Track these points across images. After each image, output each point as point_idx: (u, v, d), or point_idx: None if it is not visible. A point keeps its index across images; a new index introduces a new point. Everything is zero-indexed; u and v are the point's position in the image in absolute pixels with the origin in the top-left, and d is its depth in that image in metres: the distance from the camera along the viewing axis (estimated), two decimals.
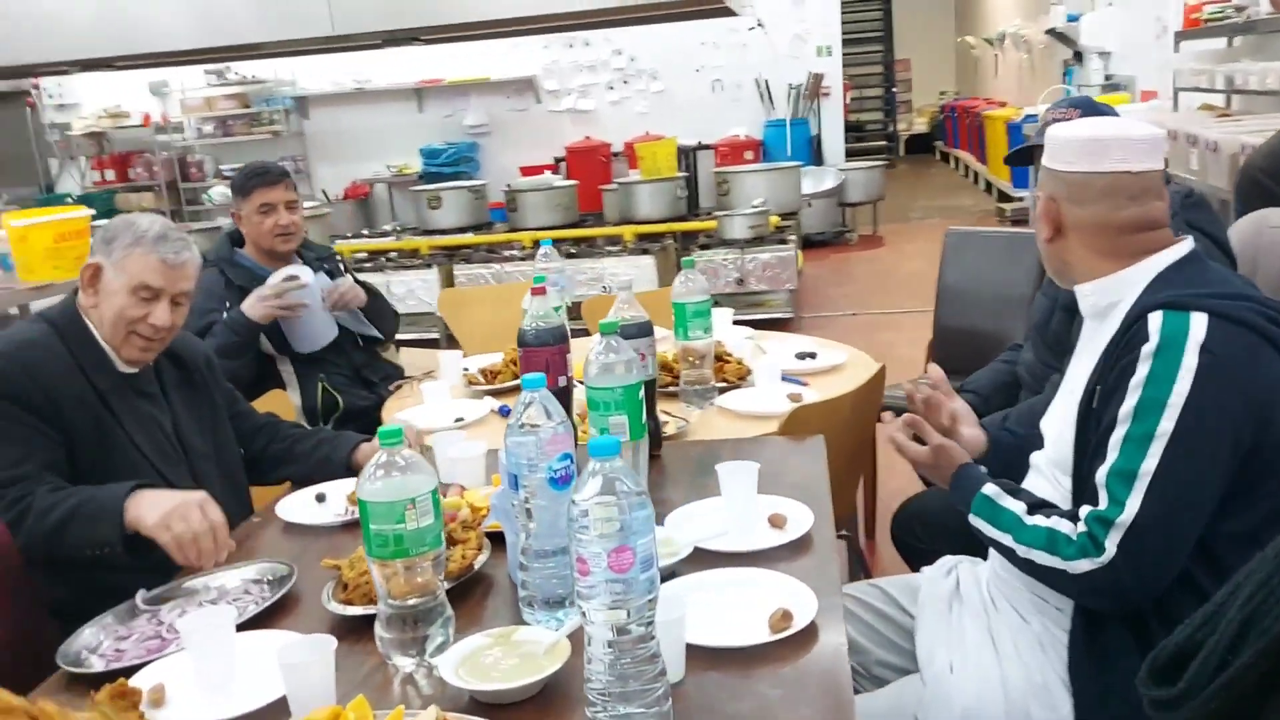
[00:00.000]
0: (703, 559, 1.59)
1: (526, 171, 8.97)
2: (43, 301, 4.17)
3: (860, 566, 2.75)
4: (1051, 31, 9.16)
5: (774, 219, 6.95)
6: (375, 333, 3.18)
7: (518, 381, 1.79)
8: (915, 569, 2.04)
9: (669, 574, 1.53)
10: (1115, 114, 2.14)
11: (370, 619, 1.41)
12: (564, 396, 1.85)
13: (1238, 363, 1.42)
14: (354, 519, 1.82)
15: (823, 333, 4.83)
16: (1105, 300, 1.58)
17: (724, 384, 2.54)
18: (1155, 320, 1.45)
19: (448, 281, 6.91)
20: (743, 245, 6.66)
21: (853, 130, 14.10)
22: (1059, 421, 1.64)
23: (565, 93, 10.02)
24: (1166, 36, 6.81)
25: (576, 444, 1.54)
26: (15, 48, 4.91)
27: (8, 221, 4.72)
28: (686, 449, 2.15)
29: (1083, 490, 1.52)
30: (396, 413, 2.61)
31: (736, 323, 3.16)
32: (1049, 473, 1.64)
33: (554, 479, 1.38)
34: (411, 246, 7.30)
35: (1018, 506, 1.54)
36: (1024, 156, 2.36)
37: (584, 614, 1.13)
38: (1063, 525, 1.48)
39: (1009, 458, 1.74)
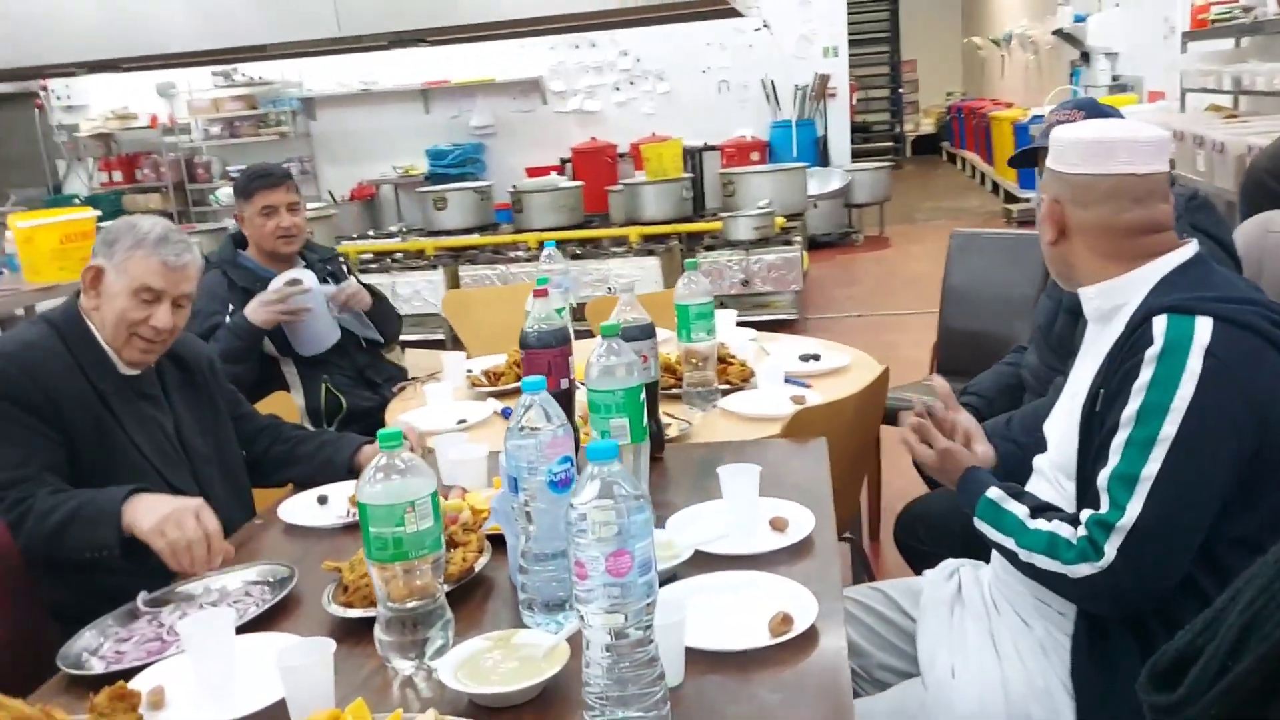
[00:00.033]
0: (703, 562, 1.59)
1: (532, 172, 8.97)
2: (49, 302, 4.19)
3: (864, 569, 2.75)
4: (1058, 32, 9.15)
5: (779, 220, 6.95)
6: (377, 336, 3.18)
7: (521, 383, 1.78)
8: (918, 572, 2.04)
9: (669, 577, 1.53)
10: (1120, 116, 2.14)
11: (370, 621, 1.41)
12: (566, 399, 1.85)
13: (1242, 367, 1.41)
14: (355, 521, 1.82)
15: (828, 334, 4.83)
16: (1109, 303, 1.57)
17: (727, 386, 2.54)
18: (1160, 324, 1.44)
19: (453, 283, 6.92)
20: (748, 246, 6.65)
21: (859, 131, 14.08)
22: (1062, 425, 1.64)
23: (571, 94, 10.02)
24: (1174, 37, 6.80)
25: (579, 446, 1.54)
26: (23, 49, 4.94)
27: (14, 223, 4.73)
28: (689, 451, 2.15)
29: (1086, 494, 1.51)
30: (399, 414, 2.60)
31: (740, 324, 3.15)
32: (1052, 476, 1.64)
33: (554, 482, 1.38)
34: (417, 248, 7.31)
35: (1020, 510, 1.54)
36: (1028, 159, 2.35)
37: (582, 618, 1.13)
38: (1063, 529, 1.47)
39: (1015, 469, 1.73)
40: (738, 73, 9.78)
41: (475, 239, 7.40)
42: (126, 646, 1.51)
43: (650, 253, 6.78)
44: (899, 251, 9.27)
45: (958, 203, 11.94)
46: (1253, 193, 2.80)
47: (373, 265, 7.14)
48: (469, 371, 2.88)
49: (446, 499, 1.79)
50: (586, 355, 1.70)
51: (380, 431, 1.36)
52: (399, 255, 7.25)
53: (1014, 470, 1.72)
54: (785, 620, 1.37)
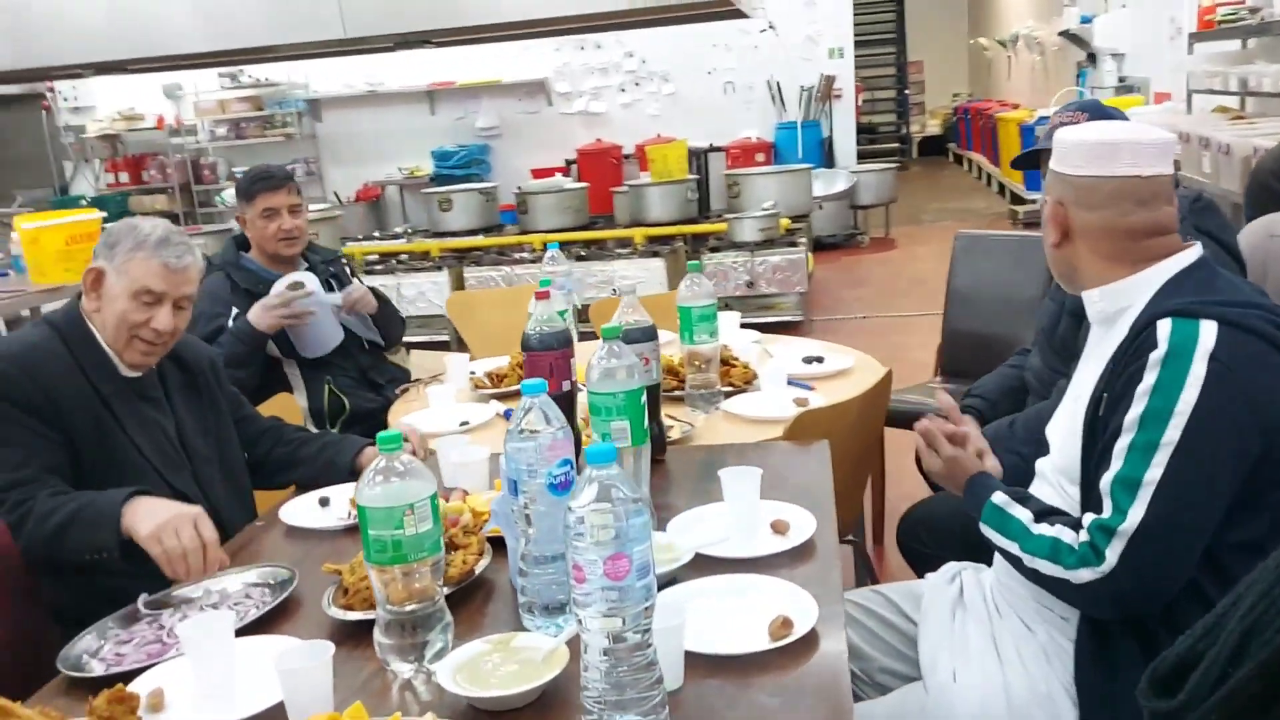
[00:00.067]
0: (704, 565, 1.58)
1: (538, 174, 8.98)
2: (54, 303, 4.19)
3: (867, 572, 2.74)
4: (1065, 33, 9.13)
5: (784, 222, 6.94)
6: (379, 339, 3.18)
7: None
8: (920, 575, 2.03)
9: (670, 580, 1.53)
10: (1124, 118, 2.13)
11: (370, 624, 1.41)
12: (568, 401, 1.84)
13: (1246, 371, 1.40)
14: (356, 523, 1.81)
15: (833, 336, 4.83)
16: (1113, 306, 1.57)
17: (730, 388, 2.53)
18: (1164, 327, 1.43)
19: (458, 284, 6.92)
20: (752, 248, 6.64)
21: (865, 132, 14.07)
22: (1064, 428, 1.63)
23: (577, 95, 10.03)
24: (1180, 38, 6.78)
25: (580, 449, 1.54)
26: (31, 51, 4.95)
27: (20, 224, 4.75)
28: (691, 454, 2.14)
29: (1089, 498, 1.51)
30: (402, 416, 2.60)
31: (745, 326, 3.15)
32: (1054, 479, 1.63)
33: (553, 484, 1.38)
34: (422, 249, 7.31)
35: (1025, 515, 1.53)
36: (1030, 161, 2.35)
37: (579, 621, 1.12)
38: (1066, 534, 1.47)
39: (1020, 480, 1.72)
40: (743, 74, 9.78)
41: (480, 240, 7.40)
42: (127, 649, 1.51)
43: (655, 254, 6.78)
44: (905, 253, 9.25)
45: (964, 204, 11.92)
46: (1257, 195, 2.79)
47: (378, 266, 7.14)
48: (472, 373, 2.88)
49: (448, 501, 1.79)
50: (588, 357, 1.70)
51: (379, 434, 1.36)
52: (404, 256, 7.25)
53: (1019, 482, 1.71)
54: (785, 624, 1.36)
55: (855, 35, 10.19)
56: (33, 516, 1.72)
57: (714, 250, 6.76)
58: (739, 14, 5.35)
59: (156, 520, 1.65)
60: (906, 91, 16.80)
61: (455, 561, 1.57)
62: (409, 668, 1.36)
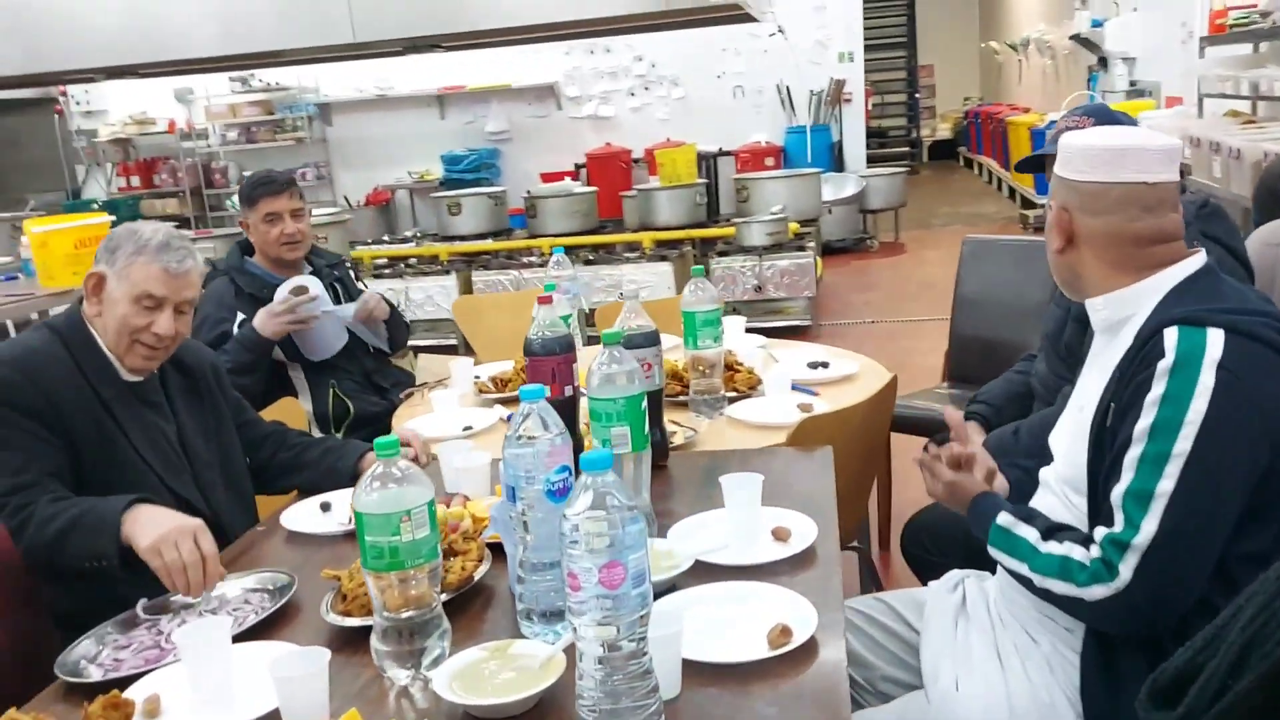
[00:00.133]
0: (704, 572, 1.57)
1: (547, 178, 8.99)
2: (63, 307, 4.21)
3: (871, 579, 2.72)
4: (1076, 37, 9.10)
5: (793, 226, 6.93)
6: (385, 345, 3.19)
7: None
8: (924, 582, 2.02)
9: (669, 587, 1.52)
10: (1132, 122, 2.12)
11: (369, 630, 1.40)
12: (570, 406, 1.84)
13: (1255, 380, 1.39)
14: None
15: (841, 340, 4.81)
16: (1118, 314, 1.55)
17: (734, 394, 2.52)
18: (1171, 336, 1.42)
19: (466, 288, 6.93)
20: (761, 252, 6.63)
21: (875, 136, 14.05)
22: (1069, 437, 1.62)
23: (586, 99, 10.04)
24: (1192, 42, 6.75)
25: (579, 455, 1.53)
26: (43, 55, 4.98)
27: (29, 228, 4.77)
28: (693, 459, 2.13)
29: (1098, 510, 1.49)
30: (406, 421, 2.60)
31: (753, 330, 3.14)
32: (1059, 489, 1.62)
33: (551, 491, 1.37)
34: (431, 253, 7.32)
35: (1031, 534, 1.51)
36: (1036, 165, 2.33)
37: (574, 630, 1.12)
38: (1076, 551, 1.45)
39: (1026, 494, 1.71)
40: (752, 78, 9.78)
41: (489, 244, 7.40)
42: (125, 654, 1.51)
43: (663, 258, 6.77)
44: (914, 257, 9.23)
45: (974, 208, 11.89)
46: (1266, 200, 2.77)
47: (387, 270, 7.16)
48: (476, 378, 2.87)
49: (449, 506, 1.78)
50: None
51: (377, 440, 1.35)
52: (413, 260, 7.27)
53: (1024, 496, 1.70)
54: (784, 632, 1.35)
55: (865, 39, 10.18)
56: (33, 521, 1.72)
57: (722, 254, 6.75)
58: (748, 18, 5.34)
59: (157, 532, 1.63)
60: (917, 95, 16.77)
61: (454, 568, 1.57)
62: (406, 674, 1.35)
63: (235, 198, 9.72)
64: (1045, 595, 1.49)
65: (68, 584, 1.78)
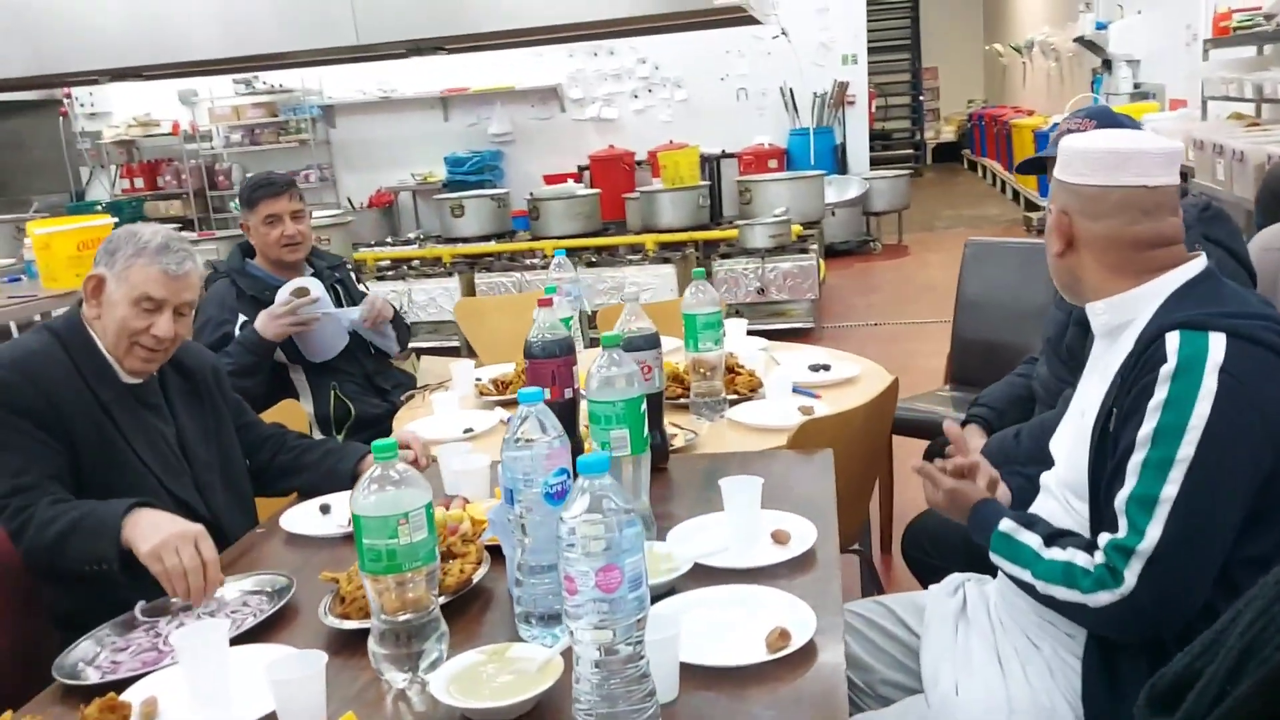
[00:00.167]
0: (703, 575, 1.57)
1: (550, 180, 8.99)
2: (66, 309, 4.22)
3: (873, 582, 2.72)
4: (1080, 39, 9.09)
5: (796, 228, 6.92)
6: (394, 346, 3.19)
7: None
8: (925, 585, 2.01)
9: (668, 590, 1.52)
10: (1135, 125, 2.11)
11: (367, 633, 1.40)
12: (570, 409, 1.83)
13: (1257, 384, 1.38)
14: None
15: (844, 343, 4.80)
16: (1119, 319, 1.55)
17: (735, 396, 2.52)
18: (1173, 341, 1.41)
19: (469, 290, 6.93)
20: (764, 254, 6.63)
21: (880, 138, 14.04)
22: (1070, 442, 1.61)
23: (589, 101, 10.04)
24: (1196, 44, 6.74)
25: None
26: (48, 57, 5.00)
27: (32, 230, 4.78)
28: (694, 462, 2.13)
29: (1101, 516, 1.48)
30: (407, 423, 2.60)
31: (755, 333, 3.13)
32: (1060, 494, 1.61)
33: (549, 494, 1.37)
34: (434, 255, 7.33)
35: (1034, 540, 1.50)
36: (1037, 166, 2.33)
37: (571, 633, 1.12)
38: (1079, 557, 1.44)
39: (1028, 502, 1.71)
40: (756, 80, 9.78)
41: (492, 246, 7.41)
42: (123, 656, 1.51)
43: (666, 260, 6.77)
44: (917, 260, 9.22)
45: (978, 210, 11.87)
46: (1268, 202, 2.76)
47: (390, 272, 7.16)
48: (477, 380, 2.87)
49: (448, 508, 1.78)
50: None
51: (375, 443, 1.35)
52: (416, 262, 7.27)
53: (1026, 505, 1.69)
54: (783, 636, 1.35)
55: (869, 41, 10.18)
56: (34, 524, 1.72)
57: (725, 257, 6.74)
58: (752, 20, 5.34)
59: (158, 537, 1.63)
60: (921, 98, 16.76)
61: (453, 570, 1.56)
62: (403, 678, 1.35)
63: (238, 200, 9.77)
64: (1049, 602, 1.48)
65: (68, 585, 1.78)
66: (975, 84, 18.21)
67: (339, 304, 3.07)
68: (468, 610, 1.55)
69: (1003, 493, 1.71)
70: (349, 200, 10.18)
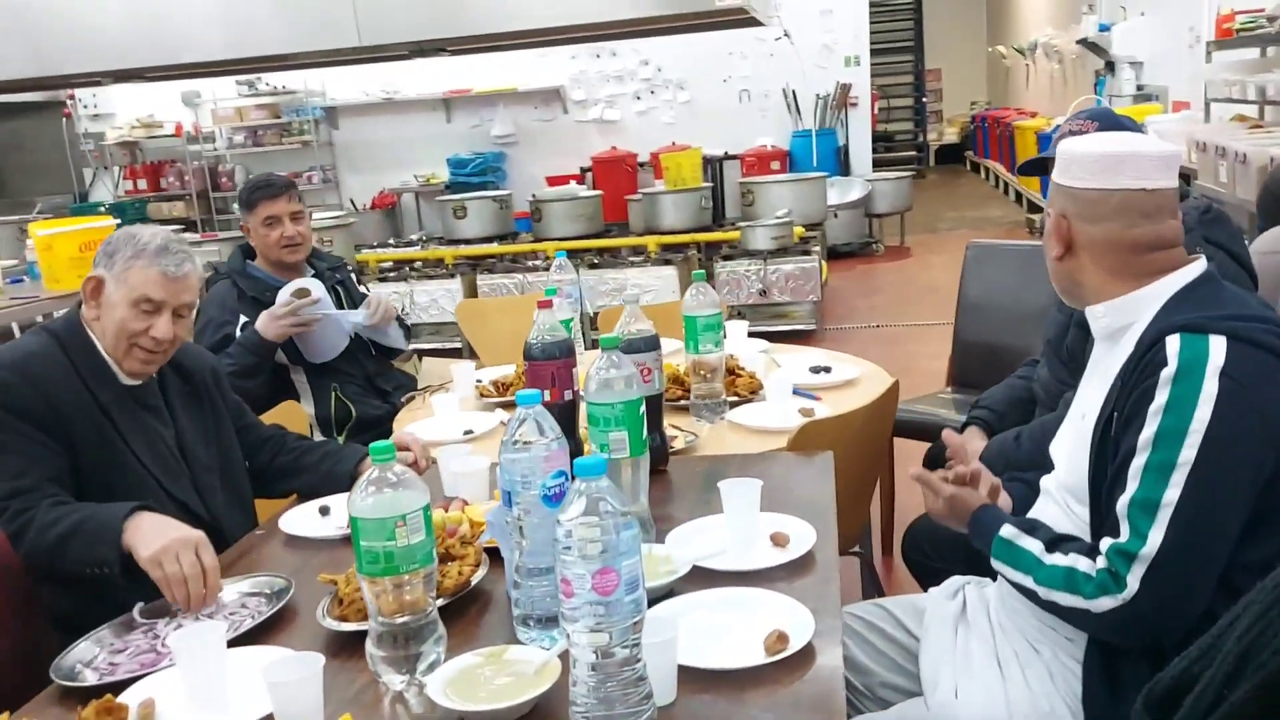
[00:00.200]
0: (701, 578, 1.57)
1: (552, 181, 8.99)
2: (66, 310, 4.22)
3: (873, 584, 2.71)
4: (1083, 41, 9.09)
5: (798, 230, 6.91)
6: (402, 341, 3.19)
7: None
8: (925, 588, 2.01)
9: (667, 593, 1.51)
10: (1137, 126, 2.10)
11: (365, 635, 1.40)
12: (569, 411, 1.83)
13: (1258, 387, 1.38)
14: None
15: (846, 345, 4.80)
16: (1119, 322, 1.54)
17: (735, 398, 2.52)
18: (1173, 344, 1.41)
19: (471, 291, 6.93)
20: (766, 256, 6.62)
21: (882, 140, 14.03)
22: (1070, 445, 1.61)
23: (592, 103, 10.05)
24: (1199, 46, 6.73)
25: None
26: (51, 59, 5.01)
27: (34, 231, 4.79)
28: (693, 464, 2.13)
29: (1102, 520, 1.48)
30: (407, 424, 2.60)
31: (757, 335, 3.13)
32: (1060, 498, 1.61)
33: (547, 496, 1.37)
34: (436, 256, 7.33)
35: (1035, 546, 1.50)
36: (1039, 167, 2.32)
37: (568, 636, 1.11)
38: (1081, 562, 1.43)
39: (1028, 509, 1.70)
40: (758, 82, 9.78)
41: (494, 248, 7.41)
42: (121, 658, 1.51)
43: (668, 262, 6.77)
44: (920, 261, 9.21)
45: (980, 212, 11.86)
46: (1270, 205, 2.76)
47: (392, 274, 7.16)
48: (478, 381, 2.87)
49: (447, 510, 1.78)
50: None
51: (373, 445, 1.35)
52: (418, 264, 7.27)
53: (1027, 511, 1.69)
54: (781, 638, 1.35)
55: (872, 43, 10.18)
56: (34, 526, 1.71)
57: (727, 258, 6.74)
58: (754, 22, 5.34)
59: (158, 543, 1.62)
60: (923, 99, 16.76)
61: (451, 572, 1.56)
62: (401, 680, 1.35)
63: (238, 202, 9.78)
64: (1051, 608, 1.48)
65: (67, 587, 1.78)
66: (978, 86, 18.20)
67: (340, 305, 3.08)
68: (466, 612, 1.55)
69: (1004, 500, 1.71)
70: (352, 202, 10.19)
